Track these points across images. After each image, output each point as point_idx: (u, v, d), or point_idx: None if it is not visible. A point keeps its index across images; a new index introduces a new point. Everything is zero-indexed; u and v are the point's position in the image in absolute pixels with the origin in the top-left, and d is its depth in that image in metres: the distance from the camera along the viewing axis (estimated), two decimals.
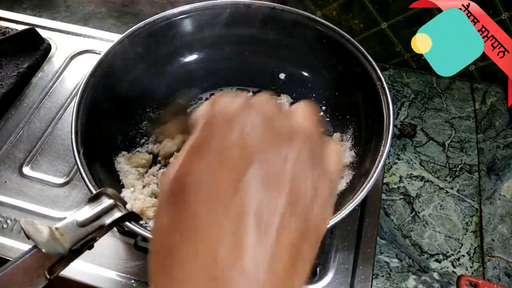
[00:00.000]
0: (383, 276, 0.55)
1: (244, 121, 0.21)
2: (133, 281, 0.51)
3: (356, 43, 0.58)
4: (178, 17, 0.63)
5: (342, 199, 0.53)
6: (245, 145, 0.20)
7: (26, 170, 0.61)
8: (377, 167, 0.46)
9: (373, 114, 0.55)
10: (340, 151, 0.23)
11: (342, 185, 0.55)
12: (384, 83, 0.53)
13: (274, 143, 0.20)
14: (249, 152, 0.20)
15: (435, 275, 0.55)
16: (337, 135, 0.62)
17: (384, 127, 0.50)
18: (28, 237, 0.32)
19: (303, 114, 0.23)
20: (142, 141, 0.62)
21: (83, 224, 0.36)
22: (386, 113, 0.51)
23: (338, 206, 0.47)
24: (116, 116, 0.60)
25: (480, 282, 0.52)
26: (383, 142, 0.49)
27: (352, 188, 0.52)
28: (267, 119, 0.21)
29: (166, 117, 0.62)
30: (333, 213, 0.31)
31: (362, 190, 0.45)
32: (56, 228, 0.34)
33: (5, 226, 0.56)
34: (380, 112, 0.52)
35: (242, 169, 0.19)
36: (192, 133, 0.22)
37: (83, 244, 0.35)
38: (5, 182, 0.60)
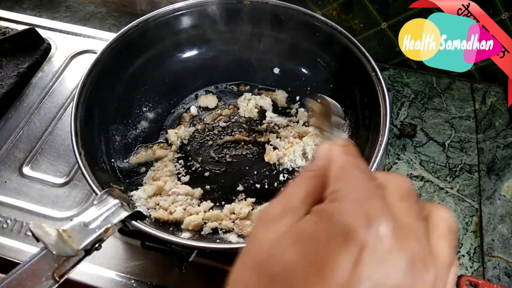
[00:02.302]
0: None
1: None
2: (133, 281, 0.51)
3: (349, 35, 0.58)
4: (171, 15, 0.62)
5: None
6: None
7: (26, 170, 0.61)
8: (377, 156, 0.47)
9: (369, 105, 0.55)
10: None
11: None
12: (379, 73, 0.53)
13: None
14: None
15: None
16: None
17: (381, 117, 0.50)
18: (38, 240, 0.32)
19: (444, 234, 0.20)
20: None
21: (90, 225, 0.36)
22: (383, 103, 0.51)
23: None
24: (113, 116, 0.60)
25: (480, 282, 0.52)
26: (381, 132, 0.49)
27: None
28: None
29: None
30: None
31: None
32: (64, 230, 0.34)
33: (5, 226, 0.56)
34: (377, 102, 0.52)
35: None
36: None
37: (91, 244, 0.35)
38: (5, 182, 0.60)
